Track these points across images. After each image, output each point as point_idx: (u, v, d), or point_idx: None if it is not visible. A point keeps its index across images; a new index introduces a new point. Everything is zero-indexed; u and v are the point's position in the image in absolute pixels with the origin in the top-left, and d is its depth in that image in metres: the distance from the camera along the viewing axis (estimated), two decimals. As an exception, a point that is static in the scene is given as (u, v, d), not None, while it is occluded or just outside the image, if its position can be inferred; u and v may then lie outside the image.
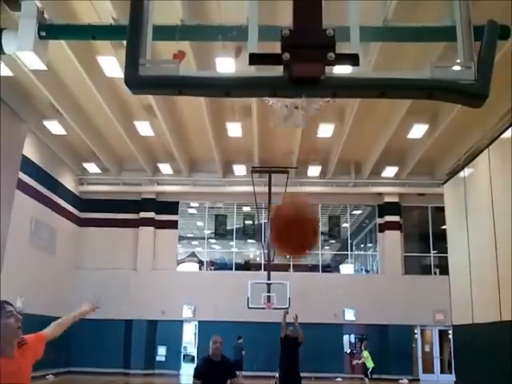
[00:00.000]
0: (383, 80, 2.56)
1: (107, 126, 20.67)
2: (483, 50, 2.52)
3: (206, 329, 24.13)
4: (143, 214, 25.91)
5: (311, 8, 2.54)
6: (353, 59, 2.50)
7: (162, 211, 26.16)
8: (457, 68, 2.58)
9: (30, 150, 20.04)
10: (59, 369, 22.14)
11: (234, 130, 20.67)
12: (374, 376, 21.77)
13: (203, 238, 27.02)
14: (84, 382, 20.64)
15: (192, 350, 25.53)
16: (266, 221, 23.96)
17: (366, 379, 17.72)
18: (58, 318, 3.96)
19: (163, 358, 24.42)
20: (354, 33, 2.56)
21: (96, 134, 21.69)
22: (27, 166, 19.76)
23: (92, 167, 24.85)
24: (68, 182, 24.49)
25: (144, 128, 20.67)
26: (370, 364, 17.82)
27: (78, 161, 24.63)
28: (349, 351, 24.53)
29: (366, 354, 18.02)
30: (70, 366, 23.47)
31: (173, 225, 26.33)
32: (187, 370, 24.37)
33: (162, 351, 24.49)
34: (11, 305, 3.21)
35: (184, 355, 25.36)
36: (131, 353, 24.01)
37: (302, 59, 2.42)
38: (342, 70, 2.92)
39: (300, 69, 2.43)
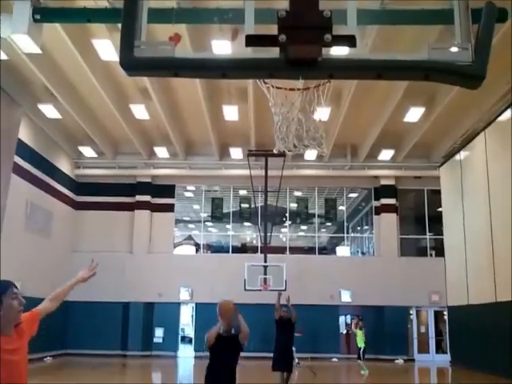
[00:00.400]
0: (380, 61, 2.55)
1: (102, 109, 20.54)
2: (481, 31, 2.51)
3: (203, 311, 24.31)
4: (139, 198, 25.89)
5: (308, -11, 2.52)
6: (350, 41, 2.48)
7: (158, 194, 26.16)
8: (454, 50, 2.57)
9: (25, 134, 19.94)
10: (57, 351, 22.27)
11: (231, 112, 20.58)
12: (370, 356, 22.00)
13: (200, 221, 27.06)
14: (82, 363, 20.76)
15: (189, 332, 25.66)
16: (262, 204, 24.00)
17: (359, 360, 17.82)
18: None
19: (160, 340, 24.58)
20: (351, 14, 2.55)
21: (91, 117, 21.57)
22: (22, 149, 19.69)
23: (87, 151, 24.76)
24: (64, 165, 24.42)
25: (139, 111, 20.56)
26: (361, 344, 17.87)
27: (74, 144, 24.52)
28: (345, 332, 24.74)
29: (359, 333, 18.08)
30: (68, 349, 23.62)
31: (169, 208, 26.34)
32: (185, 352, 24.60)
33: (159, 333, 24.65)
34: (17, 288, 3.27)
35: (181, 337, 25.52)
36: (128, 335, 24.16)
37: (298, 41, 2.41)
38: (338, 51, 2.90)
39: (296, 50, 2.42)
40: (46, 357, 20.94)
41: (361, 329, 18.31)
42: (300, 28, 2.43)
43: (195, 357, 23.84)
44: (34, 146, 21.17)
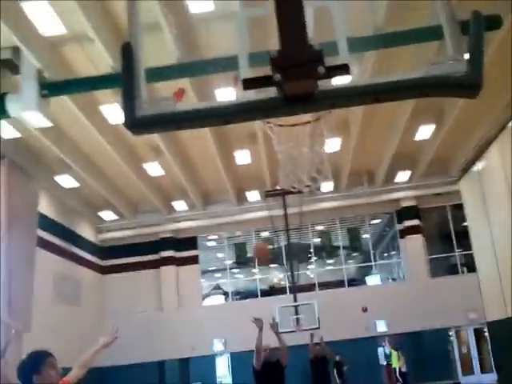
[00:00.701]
0: (375, 85, 2.59)
1: (118, 172, 20.91)
2: (470, 40, 2.56)
3: (238, 360, 23.95)
4: (163, 254, 26.00)
5: (296, 27, 2.59)
6: (344, 69, 2.52)
7: (181, 248, 26.25)
8: (450, 62, 2.61)
9: (45, 206, 20.22)
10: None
11: (243, 157, 20.80)
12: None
13: (225, 269, 26.98)
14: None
15: (227, 382, 25.27)
16: (285, 243, 23.88)
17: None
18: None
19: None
20: (342, 42, 2.60)
21: (108, 181, 21.94)
22: (44, 221, 19.92)
23: (108, 214, 25.05)
24: (86, 232, 24.69)
25: (154, 168, 20.90)
26: (395, 364, 17.17)
27: (94, 210, 24.85)
28: (385, 363, 24.12)
29: (393, 353, 17.33)
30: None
31: (194, 260, 26.36)
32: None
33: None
34: (54, 357, 3.38)
35: (219, 385, 25.17)
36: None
37: (292, 77, 2.46)
38: (340, 80, 2.95)
39: (292, 87, 2.47)
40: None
41: (395, 349, 17.61)
42: (293, 65, 2.49)
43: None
44: (55, 217, 21.49)
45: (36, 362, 3.25)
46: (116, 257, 25.92)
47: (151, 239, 26.01)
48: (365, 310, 16.09)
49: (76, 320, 22.06)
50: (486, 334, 22.06)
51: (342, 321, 23.31)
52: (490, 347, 21.51)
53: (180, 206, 25.09)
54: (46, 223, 20.31)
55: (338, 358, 17.45)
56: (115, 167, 20.25)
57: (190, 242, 26.42)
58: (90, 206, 24.38)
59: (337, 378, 16.99)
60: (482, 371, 23.25)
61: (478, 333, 23.70)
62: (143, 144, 19.22)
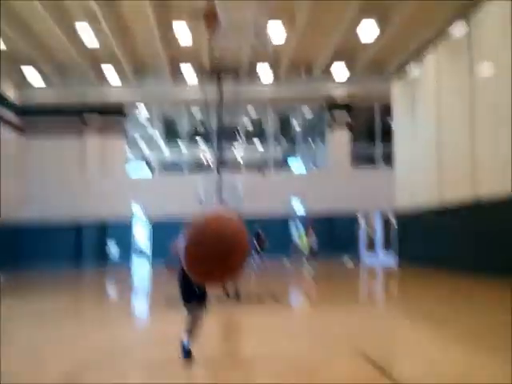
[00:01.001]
0: None
1: (46, 30, 19.67)
2: None
3: (158, 230, 24.56)
4: (89, 121, 25.26)
5: None
6: None
7: (108, 117, 25.52)
8: None
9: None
10: (9, 271, 22.20)
11: (182, 29, 19.93)
12: (320, 259, 22.90)
13: (153, 142, 26.77)
14: (36, 282, 20.63)
15: (144, 248, 26.01)
16: (216, 121, 23.73)
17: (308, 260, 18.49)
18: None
19: (115, 256, 24.91)
20: None
21: (35, 38, 20.64)
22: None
23: (32, 74, 23.70)
24: (8, 90, 23.46)
25: (86, 30, 19.58)
26: (305, 246, 18.61)
27: (18, 67, 23.44)
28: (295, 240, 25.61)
29: (301, 235, 18.69)
30: (21, 269, 23.49)
31: (121, 129, 25.78)
32: (139, 264, 24.93)
33: (113, 249, 24.94)
34: None
35: (136, 252, 25.91)
36: (83, 252, 24.45)
37: None
38: None
39: None
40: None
41: (306, 235, 18.95)
42: None
43: (150, 269, 24.25)
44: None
45: None
46: (38, 120, 24.95)
47: (77, 105, 25.12)
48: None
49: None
50: (392, 219, 23.69)
51: (262, 200, 24.21)
52: (393, 232, 23.21)
53: (110, 73, 24.06)
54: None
55: (259, 230, 18.76)
56: (44, 25, 19.03)
57: (118, 112, 25.75)
58: (14, 62, 22.97)
59: (258, 247, 18.49)
60: (384, 252, 25.10)
61: (386, 218, 25.28)
62: (77, 4, 18.05)
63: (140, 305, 12.07)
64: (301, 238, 18.78)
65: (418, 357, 5.84)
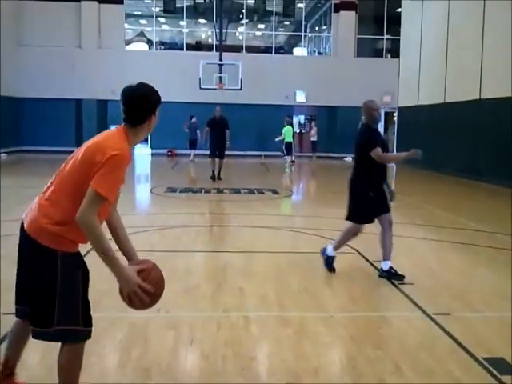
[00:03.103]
0: None
1: None
2: None
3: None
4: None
5: None
6: None
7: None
8: None
9: None
10: (10, 148, 22.22)
11: None
12: (322, 154, 23.03)
13: (151, 16, 25.62)
14: (37, 159, 20.87)
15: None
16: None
17: (286, 157, 18.15)
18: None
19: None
20: None
21: None
22: None
23: None
24: None
25: None
26: (288, 138, 18.14)
27: None
28: (298, 131, 25.47)
29: (285, 129, 18.10)
30: (22, 146, 23.49)
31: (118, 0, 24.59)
32: (141, 150, 24.98)
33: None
34: None
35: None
36: (83, 132, 24.09)
37: None
38: None
39: None
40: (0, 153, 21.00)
41: (287, 124, 18.45)
42: None
43: (152, 154, 24.37)
44: None
45: (158, 99, 2.76)
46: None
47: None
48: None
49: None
50: (395, 117, 23.48)
51: (264, 86, 23.71)
52: (395, 130, 23.14)
53: None
54: None
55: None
56: None
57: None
58: None
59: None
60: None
61: (388, 115, 25.09)
62: None
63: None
64: (285, 135, 18.05)
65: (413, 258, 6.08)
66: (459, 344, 3.69)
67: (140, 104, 2.67)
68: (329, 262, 5.42)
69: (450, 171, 16.09)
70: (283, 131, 17.91)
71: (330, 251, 5.42)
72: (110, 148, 2.47)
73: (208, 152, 14.48)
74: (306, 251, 6.44)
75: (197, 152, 19.84)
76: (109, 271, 2.46)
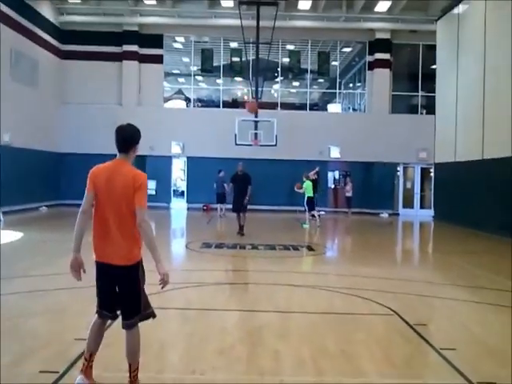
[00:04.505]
0: None
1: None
2: None
3: (194, 164, 24.72)
4: (126, 47, 24.99)
5: None
6: None
7: (145, 44, 25.22)
8: None
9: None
10: (51, 201, 22.78)
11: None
12: (356, 210, 22.89)
13: (189, 75, 26.41)
14: (75, 213, 21.23)
15: (181, 185, 26.15)
16: (254, 57, 23.41)
17: (310, 212, 17.53)
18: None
19: (153, 192, 25.15)
20: None
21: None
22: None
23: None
24: (47, 12, 23.15)
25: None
26: (309, 193, 17.54)
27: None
28: (333, 187, 25.46)
29: (305, 184, 17.52)
30: (61, 199, 24.00)
31: (158, 59, 25.53)
32: (177, 204, 25.31)
33: (152, 185, 25.15)
34: None
35: (174, 190, 26.02)
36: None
37: None
38: None
39: None
40: (41, 206, 21.53)
41: (307, 179, 17.73)
42: None
43: (188, 208, 24.63)
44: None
45: (139, 136, 4.02)
46: (76, 43, 24.71)
47: (115, 30, 24.76)
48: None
49: (33, 102, 21.66)
50: (432, 174, 23.29)
51: (299, 142, 23.94)
52: (432, 186, 22.92)
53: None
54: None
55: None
56: None
57: (156, 40, 25.33)
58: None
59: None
60: (421, 207, 24.91)
61: (424, 172, 24.93)
62: None
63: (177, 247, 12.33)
64: (307, 190, 17.45)
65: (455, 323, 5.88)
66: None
67: (131, 139, 3.97)
68: None
69: (488, 229, 15.75)
70: (304, 186, 17.58)
71: None
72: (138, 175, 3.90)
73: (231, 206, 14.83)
74: (342, 312, 6.33)
75: (226, 206, 19.96)
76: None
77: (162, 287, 3.64)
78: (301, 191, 17.64)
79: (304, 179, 17.69)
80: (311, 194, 17.52)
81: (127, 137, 3.94)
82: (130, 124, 4.02)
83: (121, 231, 3.67)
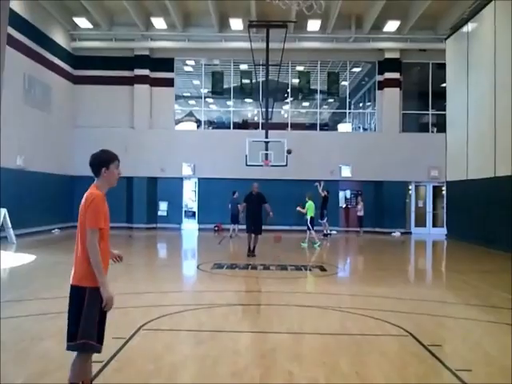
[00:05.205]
0: None
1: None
2: None
3: (205, 185, 24.82)
4: (138, 71, 25.31)
5: None
6: None
7: (156, 68, 25.56)
8: None
9: (17, 4, 19.02)
10: (64, 224, 22.89)
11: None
12: (368, 229, 22.83)
13: (200, 97, 26.67)
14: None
15: (192, 206, 26.20)
16: (263, 79, 23.58)
17: (309, 231, 17.44)
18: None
19: (165, 213, 25.27)
20: None
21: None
22: (16, 20, 18.87)
23: (83, 22, 23.73)
24: (59, 37, 23.57)
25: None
26: (310, 214, 17.46)
27: (69, 16, 23.48)
28: (344, 206, 25.40)
29: (308, 204, 17.45)
30: (74, 222, 24.06)
31: (169, 83, 25.84)
32: (189, 225, 25.36)
33: (163, 207, 25.27)
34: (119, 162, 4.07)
35: (185, 211, 26.08)
36: (133, 209, 24.73)
37: None
38: None
39: None
40: (53, 229, 21.65)
41: (310, 199, 17.69)
42: None
43: (199, 229, 24.66)
44: (28, 18, 20.31)
45: (108, 158, 3.97)
46: (88, 68, 25.12)
47: (126, 55, 25.14)
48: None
49: (46, 127, 21.96)
50: (444, 192, 23.18)
51: (310, 162, 24.00)
52: (444, 204, 22.79)
53: (159, 23, 23.87)
54: (18, 22, 19.23)
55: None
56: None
57: (166, 64, 25.68)
58: (65, 10, 23.01)
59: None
60: (434, 225, 24.75)
61: (436, 190, 24.82)
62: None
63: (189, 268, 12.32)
64: (308, 210, 17.33)
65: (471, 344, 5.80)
66: None
67: (96, 162, 3.94)
68: None
69: (502, 247, 15.60)
70: (306, 206, 17.55)
71: None
72: (89, 194, 3.85)
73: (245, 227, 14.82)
74: (355, 333, 6.27)
75: (239, 227, 19.96)
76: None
77: (106, 311, 3.66)
78: (303, 211, 17.67)
79: (307, 199, 17.72)
80: (313, 215, 17.58)
81: (91, 162, 3.96)
82: (101, 150, 4.06)
83: (79, 253, 3.72)
